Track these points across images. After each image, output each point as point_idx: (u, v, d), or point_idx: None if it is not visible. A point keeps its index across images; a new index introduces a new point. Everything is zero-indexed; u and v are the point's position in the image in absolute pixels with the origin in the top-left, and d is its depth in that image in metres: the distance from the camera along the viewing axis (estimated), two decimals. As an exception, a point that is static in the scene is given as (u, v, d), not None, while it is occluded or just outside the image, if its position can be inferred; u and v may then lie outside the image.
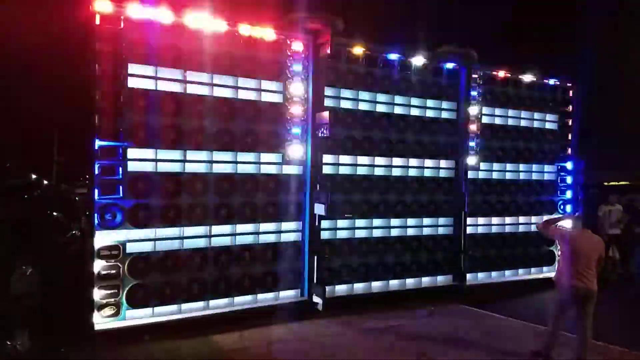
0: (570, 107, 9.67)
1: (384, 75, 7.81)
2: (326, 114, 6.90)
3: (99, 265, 5.73)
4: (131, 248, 5.94)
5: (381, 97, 7.80)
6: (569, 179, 9.65)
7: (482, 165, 8.74)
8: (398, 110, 7.95)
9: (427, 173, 8.25)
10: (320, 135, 6.97)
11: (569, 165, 9.64)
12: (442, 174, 8.40)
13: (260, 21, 6.75)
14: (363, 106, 7.65)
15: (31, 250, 7.05)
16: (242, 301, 6.68)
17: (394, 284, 7.92)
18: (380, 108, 7.80)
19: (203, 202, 6.39)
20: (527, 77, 9.21)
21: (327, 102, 7.21)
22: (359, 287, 7.63)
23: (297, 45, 7.03)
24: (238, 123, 6.64)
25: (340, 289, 7.47)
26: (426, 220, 8.24)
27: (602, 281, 5.33)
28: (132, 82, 5.93)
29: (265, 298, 6.86)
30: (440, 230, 8.40)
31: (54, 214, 9.08)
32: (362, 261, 7.63)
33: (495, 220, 8.90)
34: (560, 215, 5.33)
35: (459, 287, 8.37)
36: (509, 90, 9.02)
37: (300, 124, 7.07)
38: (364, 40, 7.59)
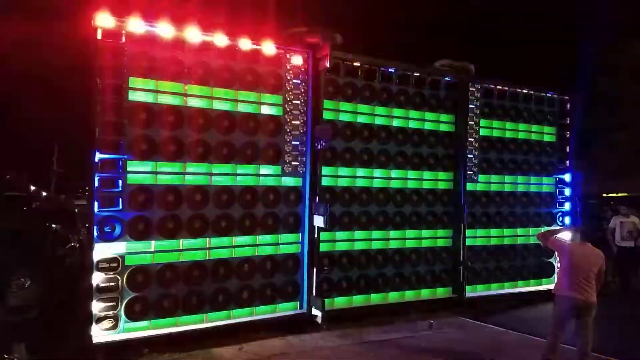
0: (568, 119, 9.74)
1: (382, 88, 7.88)
2: (325, 126, 6.95)
3: (97, 278, 5.71)
4: (130, 260, 5.93)
5: (380, 110, 7.86)
6: (567, 191, 9.69)
7: (481, 178, 8.78)
8: (396, 122, 8.01)
9: (426, 185, 8.28)
10: (319, 147, 7.01)
11: (567, 177, 9.68)
12: (441, 186, 8.43)
13: (260, 35, 6.83)
14: (362, 119, 7.72)
15: (29, 262, 7.03)
16: (241, 314, 6.66)
17: (393, 296, 7.90)
18: (379, 121, 7.86)
19: (202, 215, 6.41)
20: (525, 90, 9.29)
21: (326, 115, 7.27)
22: (358, 299, 7.61)
23: (297, 59, 7.10)
24: (237, 135, 6.68)
25: (340, 301, 7.45)
26: (425, 232, 8.26)
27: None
28: (132, 96, 5.98)
29: (264, 310, 6.84)
30: (439, 242, 8.41)
31: (53, 225, 9.07)
32: (361, 273, 7.63)
33: (494, 232, 8.92)
34: (560, 227, 5.34)
35: (458, 299, 8.35)
36: (506, 103, 9.10)
37: (300, 137, 7.12)
38: (363, 53, 7.67)
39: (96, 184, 5.75)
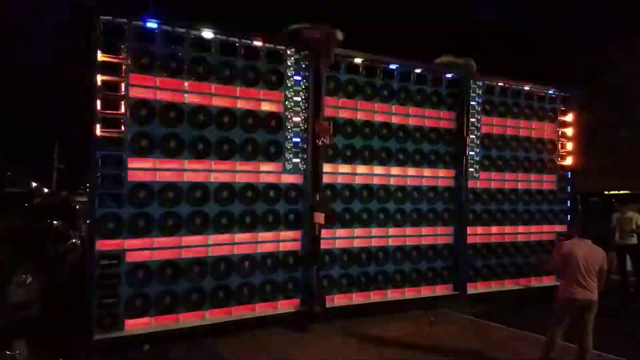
0: (570, 116, 9.71)
1: (383, 85, 7.86)
2: (326, 123, 6.93)
3: (98, 275, 5.72)
4: (130, 257, 5.94)
5: (380, 107, 7.84)
6: (568, 188, 9.66)
7: (482, 175, 8.76)
8: (397, 119, 7.99)
9: (427, 182, 8.26)
10: (319, 144, 7.00)
11: (568, 174, 9.66)
12: (442, 183, 8.41)
13: (261, 31, 6.81)
14: (362, 115, 7.69)
15: (30, 258, 7.03)
16: (241, 311, 6.66)
17: (393, 293, 7.90)
18: (380, 117, 7.84)
19: (202, 211, 6.40)
20: (526, 87, 9.26)
21: (327, 112, 7.25)
22: (358, 296, 7.61)
23: (297, 56, 7.08)
24: (238, 132, 6.67)
25: (340, 298, 7.45)
26: (426, 230, 8.24)
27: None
28: (133, 92, 5.97)
29: (264, 307, 6.84)
30: (440, 240, 8.39)
31: (54, 222, 9.07)
32: (361, 270, 7.63)
33: (494, 229, 8.90)
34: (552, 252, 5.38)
35: (459, 296, 8.34)
36: (508, 100, 9.07)
37: (300, 134, 7.10)
38: (364, 50, 7.65)
39: (97, 181, 5.75)
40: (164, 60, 6.15)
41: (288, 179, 7.06)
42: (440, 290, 8.34)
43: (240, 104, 6.71)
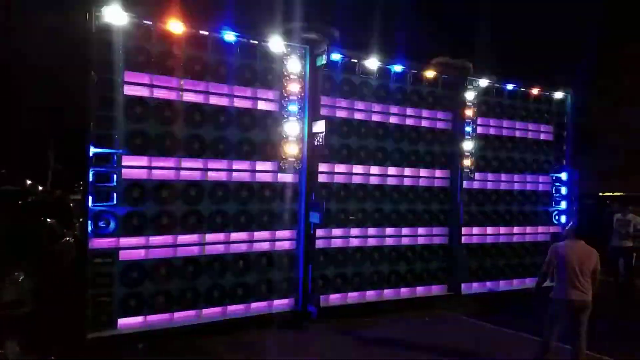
0: (565, 118, 9.74)
1: (379, 85, 7.85)
2: (322, 122, 6.92)
3: (91, 273, 5.69)
4: (124, 256, 5.91)
5: (377, 107, 7.84)
6: (563, 190, 9.70)
7: (477, 175, 8.78)
8: (393, 119, 7.99)
9: (422, 182, 8.27)
10: (315, 143, 6.99)
11: (563, 175, 9.69)
12: (437, 183, 8.42)
13: (258, 30, 6.79)
14: (359, 115, 7.69)
15: (23, 257, 6.98)
16: (236, 310, 6.65)
17: (388, 293, 7.90)
18: (376, 117, 7.84)
19: (197, 210, 6.38)
20: (522, 88, 9.28)
21: (323, 111, 7.24)
22: (353, 296, 7.60)
23: (294, 55, 7.07)
24: (233, 131, 6.65)
25: (335, 297, 7.45)
26: (421, 230, 8.25)
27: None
28: (127, 90, 5.94)
29: (259, 307, 6.82)
30: (435, 240, 8.40)
31: (48, 220, 9.01)
32: (356, 270, 7.62)
33: (490, 230, 8.92)
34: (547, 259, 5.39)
35: (453, 296, 8.35)
36: (504, 101, 9.09)
37: (296, 132, 7.08)
38: (360, 50, 7.64)
39: (91, 178, 5.72)
40: (160, 58, 6.12)
41: (284, 178, 7.05)
42: (435, 290, 8.35)
43: (236, 103, 6.69)
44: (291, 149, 7.04)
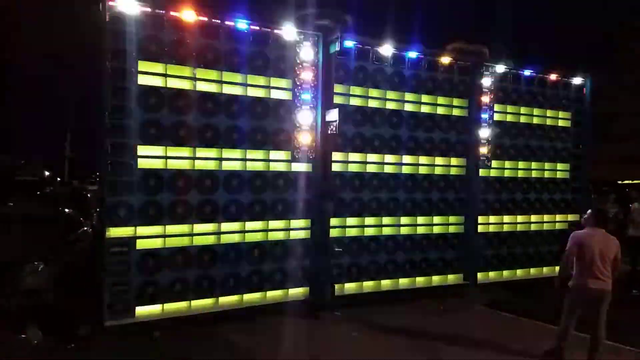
0: (584, 104, 9.53)
1: (394, 72, 7.75)
2: (336, 111, 6.86)
3: (109, 262, 5.76)
4: (141, 245, 5.97)
5: (391, 94, 7.74)
6: (581, 177, 9.51)
7: (494, 163, 8.65)
8: (408, 107, 7.89)
9: (438, 171, 8.18)
10: (329, 132, 6.94)
11: (581, 163, 9.50)
12: (453, 171, 8.32)
13: (270, 18, 6.73)
14: (373, 103, 7.61)
15: (42, 246, 7.09)
16: (252, 298, 6.68)
17: (404, 282, 7.87)
18: (390, 105, 7.75)
19: (212, 200, 6.40)
20: (540, 74, 9.09)
21: (337, 99, 7.18)
22: (368, 285, 7.59)
23: (307, 42, 7.00)
24: (247, 120, 6.63)
25: (350, 287, 7.45)
26: (437, 219, 8.18)
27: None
28: (142, 80, 5.95)
29: (274, 295, 6.86)
30: (451, 229, 8.33)
31: (66, 210, 9.14)
32: (371, 259, 7.60)
33: (506, 218, 8.81)
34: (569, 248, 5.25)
35: (469, 286, 8.30)
36: (521, 87, 8.91)
37: (309, 121, 7.04)
38: (374, 37, 7.53)
39: (107, 169, 5.76)
40: (173, 47, 6.11)
41: (297, 167, 7.03)
42: (451, 279, 8.29)
43: (250, 92, 6.66)
44: (304, 138, 7.00)
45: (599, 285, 5.10)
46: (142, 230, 5.97)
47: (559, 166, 9.36)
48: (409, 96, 7.89)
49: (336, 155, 7.22)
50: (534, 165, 9.08)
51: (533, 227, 9.08)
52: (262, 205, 6.75)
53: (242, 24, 6.52)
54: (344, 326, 6.55)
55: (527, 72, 8.96)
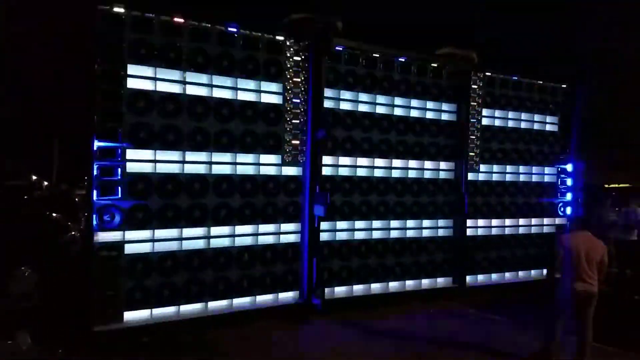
0: (571, 109, 9.66)
1: (383, 77, 7.80)
2: (325, 115, 6.89)
3: (97, 267, 5.71)
4: (130, 249, 5.93)
5: (381, 99, 7.79)
6: (569, 181, 9.64)
7: (482, 167, 8.73)
8: (398, 111, 7.95)
9: (427, 175, 8.23)
10: (319, 136, 6.96)
11: (569, 167, 9.63)
12: (442, 175, 8.39)
13: (261, 22, 6.75)
14: (363, 107, 7.65)
15: (30, 251, 7.02)
16: (241, 302, 6.67)
17: (393, 285, 7.90)
18: (380, 109, 7.80)
19: (202, 203, 6.39)
20: (528, 79, 9.20)
21: (327, 103, 7.21)
22: (358, 288, 7.61)
23: (297, 46, 7.02)
24: (237, 124, 6.63)
25: (340, 290, 7.45)
26: (426, 222, 8.23)
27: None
28: (131, 83, 5.93)
29: (264, 300, 6.84)
30: (440, 232, 8.38)
31: (54, 214, 9.05)
32: (361, 263, 7.62)
33: (495, 222, 8.89)
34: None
35: (458, 288, 8.35)
36: (509, 92, 9.02)
37: (300, 125, 7.06)
38: (364, 41, 7.58)
39: (95, 173, 5.72)
40: (163, 51, 6.10)
41: (288, 171, 7.04)
42: (440, 282, 8.34)
43: (240, 96, 6.67)
44: (295, 142, 7.01)
45: (585, 288, 5.16)
46: (130, 234, 5.93)
47: (547, 170, 9.47)
48: (398, 100, 7.95)
49: (326, 159, 7.25)
50: (521, 169, 9.17)
51: (521, 230, 9.17)
52: (252, 209, 6.74)
53: (232, 28, 6.53)
54: (334, 330, 6.55)
55: (515, 77, 9.07)
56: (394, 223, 7.93)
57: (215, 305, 6.48)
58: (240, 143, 6.65)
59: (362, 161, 7.65)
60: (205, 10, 6.38)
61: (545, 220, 9.44)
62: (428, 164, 8.24)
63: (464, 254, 8.43)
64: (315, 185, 7.03)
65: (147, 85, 6.03)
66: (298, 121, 7.06)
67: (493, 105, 8.85)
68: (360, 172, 7.63)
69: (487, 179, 8.81)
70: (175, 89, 6.22)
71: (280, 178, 6.97)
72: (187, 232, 6.31)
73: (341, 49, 7.36)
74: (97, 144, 5.70)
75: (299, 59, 7.05)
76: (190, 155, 6.32)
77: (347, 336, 6.34)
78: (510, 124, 9.04)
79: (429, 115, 8.25)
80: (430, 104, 8.25)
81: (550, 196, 9.47)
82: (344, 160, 7.50)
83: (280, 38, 6.91)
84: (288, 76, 6.99)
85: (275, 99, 6.94)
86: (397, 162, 7.94)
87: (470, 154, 8.54)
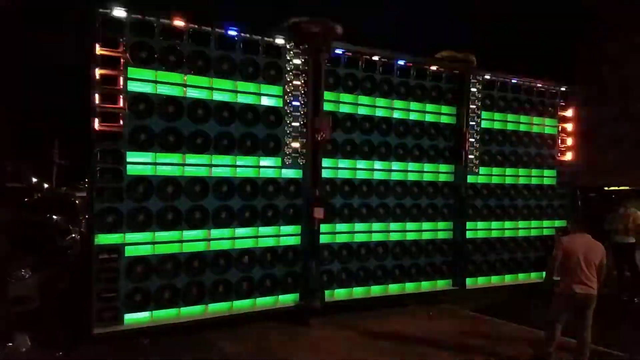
0: (569, 112, 9.69)
1: (383, 80, 7.83)
2: (325, 117, 6.91)
3: (97, 269, 5.72)
4: (130, 251, 5.94)
5: (380, 102, 7.82)
6: (567, 184, 9.65)
7: (482, 170, 8.75)
8: (397, 114, 7.97)
9: (427, 177, 8.26)
10: (319, 139, 6.98)
11: (568, 169, 9.64)
12: (442, 178, 8.40)
13: (261, 25, 6.79)
14: (362, 110, 7.68)
15: (30, 253, 7.04)
16: (241, 305, 6.67)
17: (393, 288, 7.91)
18: (380, 112, 7.82)
19: (202, 206, 6.40)
20: (527, 82, 9.23)
21: (326, 106, 7.23)
22: (358, 291, 7.61)
23: (297, 49, 7.05)
24: (237, 127, 6.66)
25: (340, 292, 7.46)
26: (425, 225, 8.24)
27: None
28: (132, 86, 5.95)
29: (264, 302, 6.85)
30: (440, 235, 8.39)
31: (54, 217, 9.08)
32: (361, 265, 7.63)
33: (494, 224, 8.90)
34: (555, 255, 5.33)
35: (458, 291, 8.36)
36: (508, 95, 9.05)
37: (299, 128, 7.08)
38: (363, 44, 7.62)
39: (96, 175, 5.74)
40: (163, 54, 6.13)
41: (287, 173, 7.05)
42: (440, 285, 8.35)
43: (240, 98, 6.69)
44: (294, 145, 7.04)
45: (584, 290, 5.17)
46: (131, 236, 5.94)
47: (546, 172, 9.49)
48: (397, 103, 7.97)
49: (326, 162, 7.27)
50: (521, 171, 9.19)
51: (521, 233, 9.18)
52: (252, 212, 6.76)
53: (232, 32, 6.56)
54: (333, 332, 6.56)
55: (514, 80, 9.10)
56: (394, 225, 7.94)
57: (216, 307, 6.48)
58: (240, 146, 6.67)
59: (362, 164, 7.66)
60: (205, 13, 6.41)
61: (545, 223, 9.45)
62: (428, 167, 8.26)
63: (463, 257, 8.44)
64: (315, 187, 7.04)
65: (147, 89, 6.05)
66: (298, 124, 7.08)
67: (492, 108, 8.87)
68: (360, 175, 7.65)
69: (487, 181, 8.83)
70: (176, 92, 6.24)
71: (280, 181, 6.99)
72: (187, 234, 6.32)
73: (341, 52, 7.40)
74: (98, 146, 5.72)
75: (298, 62, 7.08)
76: (190, 158, 6.33)
77: (346, 339, 6.34)
78: (510, 126, 9.07)
79: (429, 118, 8.27)
80: (429, 107, 8.27)
81: (549, 199, 9.48)
82: (344, 162, 7.52)
83: (280, 41, 6.94)
84: (288, 79, 7.02)
85: (275, 102, 6.96)
86: (396, 165, 7.96)
87: (470, 156, 8.56)
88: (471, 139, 8.57)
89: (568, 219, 9.51)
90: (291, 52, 7.04)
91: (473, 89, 8.61)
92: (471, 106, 8.57)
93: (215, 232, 6.51)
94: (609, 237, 9.37)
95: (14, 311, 6.25)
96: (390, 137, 7.89)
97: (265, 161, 6.88)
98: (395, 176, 7.96)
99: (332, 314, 7.08)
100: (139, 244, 6.00)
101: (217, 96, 6.53)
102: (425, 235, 8.25)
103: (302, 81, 7.10)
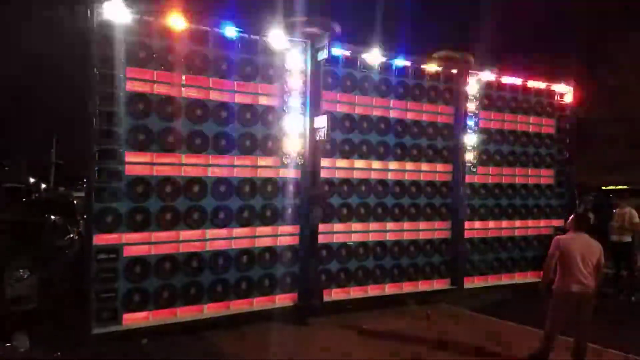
0: (568, 111, 9.71)
1: (381, 80, 7.84)
2: (323, 117, 6.92)
3: (96, 269, 5.72)
4: (128, 252, 5.94)
5: (378, 101, 7.83)
6: (565, 183, 9.68)
7: (480, 169, 8.77)
8: (395, 114, 7.98)
9: (425, 177, 8.27)
10: (317, 138, 6.99)
11: (566, 169, 9.67)
12: (440, 177, 8.42)
13: (259, 25, 6.78)
14: (360, 110, 7.68)
15: (28, 253, 7.03)
16: (240, 305, 6.68)
17: (391, 287, 7.92)
18: (378, 112, 7.83)
19: (200, 206, 6.40)
20: (524, 81, 9.25)
21: (325, 106, 7.23)
22: (356, 290, 7.62)
23: (295, 49, 7.06)
24: (236, 126, 6.66)
25: (338, 292, 7.47)
26: (423, 224, 8.26)
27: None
28: (130, 86, 5.95)
29: (262, 302, 6.85)
30: (438, 234, 8.41)
31: (52, 217, 9.06)
32: (359, 265, 7.64)
33: (492, 224, 8.92)
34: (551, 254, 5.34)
35: (456, 290, 8.37)
36: (505, 95, 9.06)
37: (298, 128, 7.08)
38: (361, 44, 7.62)
39: (94, 175, 5.74)
40: (161, 54, 6.13)
41: (286, 173, 7.06)
42: (438, 284, 8.36)
43: (238, 98, 6.69)
44: (293, 144, 7.04)
45: (582, 289, 5.18)
46: (129, 236, 5.94)
47: (543, 172, 9.51)
48: (395, 103, 7.98)
49: (324, 162, 7.27)
50: (518, 171, 9.21)
51: (518, 232, 9.20)
52: (250, 212, 6.76)
53: (230, 31, 6.57)
54: (332, 332, 6.57)
55: (511, 80, 9.11)
56: (392, 225, 7.95)
57: (214, 307, 6.49)
58: (238, 146, 6.68)
59: (360, 163, 7.67)
60: (203, 13, 6.41)
61: (542, 222, 9.47)
62: (425, 166, 8.27)
63: (461, 256, 8.45)
64: (313, 187, 7.05)
65: (145, 88, 6.05)
66: (296, 124, 7.07)
67: (490, 107, 8.89)
68: (358, 175, 7.66)
69: (484, 181, 8.84)
70: (174, 91, 6.24)
71: (278, 180, 6.99)
72: (186, 234, 6.32)
73: (339, 52, 7.40)
74: (96, 146, 5.72)
75: (297, 62, 7.07)
76: (188, 158, 6.34)
77: (344, 338, 6.35)
78: (507, 126, 9.08)
79: (426, 117, 8.28)
80: (427, 107, 8.28)
81: (547, 198, 9.51)
82: (342, 162, 7.53)
83: (279, 41, 6.93)
84: (286, 79, 7.02)
85: (274, 102, 6.96)
86: (394, 164, 7.97)
87: (468, 156, 8.57)
88: (469, 139, 8.58)
89: (565, 218, 9.52)
90: (289, 52, 7.04)
91: (471, 89, 8.62)
92: (469, 106, 8.58)
93: (213, 232, 6.51)
94: (606, 236, 9.40)
95: (12, 311, 6.25)
96: (388, 137, 7.90)
97: (263, 161, 6.88)
98: (393, 176, 7.96)
99: (330, 313, 7.09)
100: (138, 244, 6.01)
101: (215, 96, 6.53)
102: (424, 235, 8.26)
103: (301, 81, 7.10)
